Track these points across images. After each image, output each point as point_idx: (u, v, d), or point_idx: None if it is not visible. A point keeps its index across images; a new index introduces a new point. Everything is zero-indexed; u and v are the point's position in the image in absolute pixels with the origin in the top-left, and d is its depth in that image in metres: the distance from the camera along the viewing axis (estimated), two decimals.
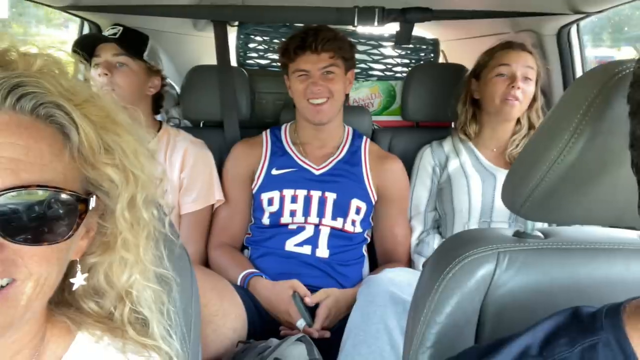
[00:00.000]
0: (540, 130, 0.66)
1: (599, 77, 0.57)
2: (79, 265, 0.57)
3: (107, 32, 1.59)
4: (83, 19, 1.77)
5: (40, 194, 0.48)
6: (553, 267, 0.72)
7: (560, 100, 0.64)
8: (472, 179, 1.64)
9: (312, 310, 1.45)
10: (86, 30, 1.84)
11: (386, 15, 1.63)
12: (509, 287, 0.72)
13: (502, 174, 1.63)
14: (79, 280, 0.58)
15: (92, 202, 0.53)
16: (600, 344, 0.53)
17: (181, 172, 1.64)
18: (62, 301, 0.61)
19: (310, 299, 1.45)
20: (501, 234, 0.78)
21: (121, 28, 1.58)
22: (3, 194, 0.46)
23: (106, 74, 1.51)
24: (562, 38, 1.82)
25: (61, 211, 0.49)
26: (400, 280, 1.27)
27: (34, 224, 0.48)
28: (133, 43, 1.59)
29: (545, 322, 0.59)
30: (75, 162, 0.52)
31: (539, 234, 0.77)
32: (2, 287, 0.47)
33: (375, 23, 1.64)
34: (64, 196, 0.49)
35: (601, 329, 0.54)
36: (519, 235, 0.77)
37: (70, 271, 0.58)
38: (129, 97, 1.55)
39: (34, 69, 0.51)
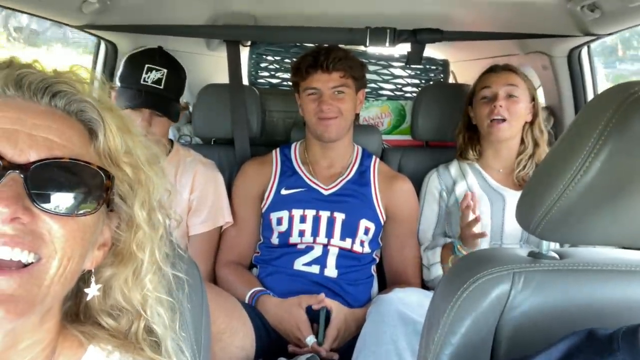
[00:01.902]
0: (556, 149, 0.66)
1: (615, 96, 0.57)
2: (93, 277, 0.59)
3: (150, 75, 1.53)
4: (100, 38, 1.80)
5: (71, 167, 0.52)
6: (570, 288, 0.71)
7: (576, 119, 0.64)
8: (480, 201, 1.62)
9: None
10: (102, 50, 1.87)
11: (397, 36, 1.65)
12: (525, 307, 0.71)
13: (510, 195, 1.61)
14: (92, 291, 0.59)
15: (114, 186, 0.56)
16: None
17: (191, 194, 1.63)
18: (76, 321, 0.62)
19: (322, 302, 1.44)
20: (516, 254, 0.77)
21: (165, 72, 1.53)
22: (38, 164, 0.49)
23: (145, 124, 1.50)
24: (573, 60, 1.83)
25: (89, 185, 0.53)
26: (410, 300, 1.26)
27: (64, 195, 0.51)
28: (175, 93, 1.59)
29: (560, 343, 0.58)
30: (100, 158, 0.56)
31: (555, 254, 0.76)
32: (29, 263, 0.49)
33: (387, 44, 1.66)
34: (92, 171, 0.53)
35: (618, 350, 0.54)
36: (534, 255, 0.76)
37: (85, 284, 0.59)
38: (161, 137, 1.56)
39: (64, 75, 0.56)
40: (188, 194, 1.63)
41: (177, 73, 1.59)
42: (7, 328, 0.49)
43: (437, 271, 1.60)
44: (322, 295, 1.47)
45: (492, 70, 1.66)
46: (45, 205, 0.49)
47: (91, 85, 0.58)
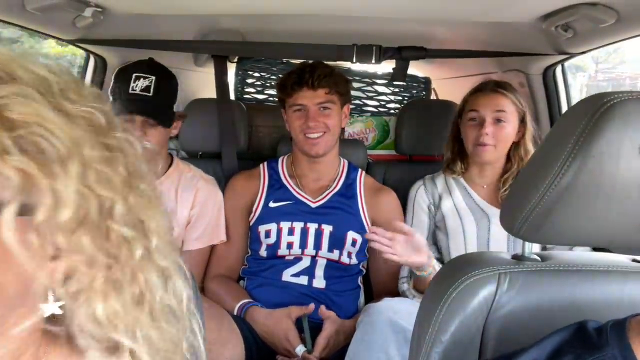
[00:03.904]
0: (537, 155, 0.71)
1: (590, 106, 0.62)
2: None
3: (138, 83, 1.51)
4: (89, 52, 1.82)
5: None
6: (552, 288, 0.75)
7: (555, 127, 0.69)
8: (466, 220, 1.61)
9: (313, 338, 1.45)
10: (92, 64, 1.88)
11: (383, 53, 1.70)
12: (511, 307, 0.74)
13: (495, 215, 1.60)
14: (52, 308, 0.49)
15: None
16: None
17: (191, 210, 1.63)
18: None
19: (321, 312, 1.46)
20: (500, 257, 0.81)
21: (154, 79, 1.51)
22: None
23: (140, 133, 1.46)
24: (548, 77, 1.91)
25: None
26: (401, 309, 1.27)
27: None
28: (166, 100, 1.56)
29: (552, 337, 0.61)
30: None
31: (537, 257, 0.80)
32: None
33: (373, 60, 1.70)
34: None
35: (607, 344, 0.56)
36: (517, 258, 0.80)
37: None
38: (158, 149, 1.56)
39: None
40: (189, 210, 1.63)
41: (166, 80, 1.57)
42: None
43: (403, 287, 1.60)
44: (312, 305, 1.48)
45: (481, 90, 1.59)
46: None
47: None
